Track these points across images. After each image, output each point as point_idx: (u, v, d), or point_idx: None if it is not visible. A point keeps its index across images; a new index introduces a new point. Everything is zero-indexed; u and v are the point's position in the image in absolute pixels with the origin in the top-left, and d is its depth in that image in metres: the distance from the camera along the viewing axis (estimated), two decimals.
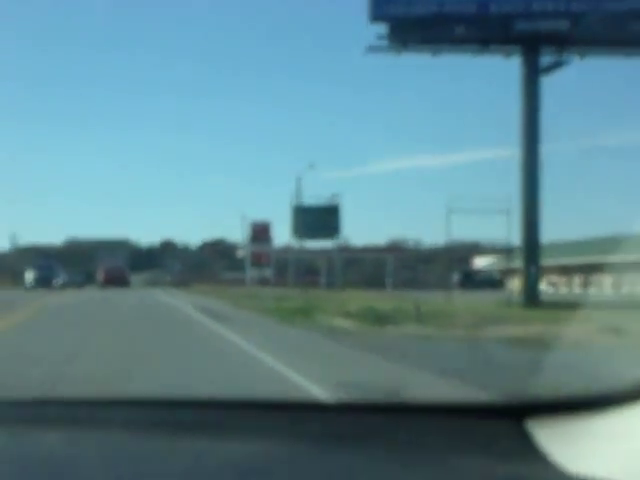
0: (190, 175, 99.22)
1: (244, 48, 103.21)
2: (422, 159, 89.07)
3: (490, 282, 44.78)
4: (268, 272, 46.83)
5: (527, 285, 21.83)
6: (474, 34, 22.79)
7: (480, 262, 57.97)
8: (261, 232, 48.41)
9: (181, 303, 24.42)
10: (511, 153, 26.73)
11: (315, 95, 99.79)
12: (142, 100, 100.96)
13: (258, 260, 47.52)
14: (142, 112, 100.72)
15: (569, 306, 14.05)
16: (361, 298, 23.38)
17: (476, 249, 54.53)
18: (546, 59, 22.83)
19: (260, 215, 65.71)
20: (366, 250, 54.12)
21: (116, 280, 41.42)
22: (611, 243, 28.80)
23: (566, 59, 22.79)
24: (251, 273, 47.51)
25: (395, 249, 57.68)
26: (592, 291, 37.94)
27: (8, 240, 71.90)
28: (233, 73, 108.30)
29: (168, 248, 68.73)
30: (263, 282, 43.61)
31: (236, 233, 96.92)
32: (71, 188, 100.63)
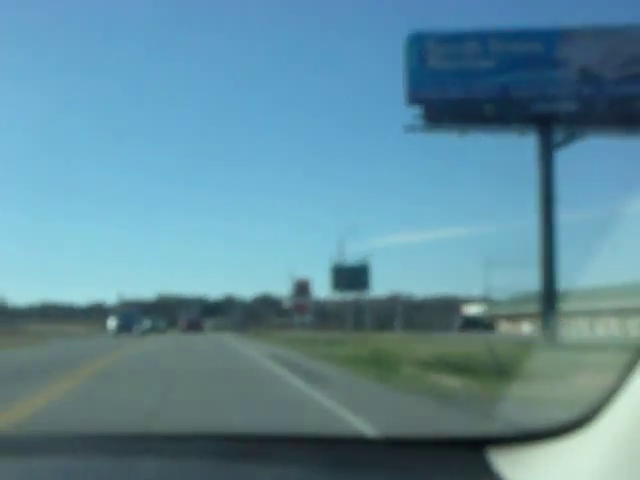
0: (245, 242, 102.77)
1: (297, 125, 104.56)
2: (432, 232, 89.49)
3: (484, 325, 45.39)
4: (308, 318, 51.81)
5: (547, 328, 21.00)
6: (497, 113, 22.70)
7: (471, 309, 57.92)
8: (302, 287, 53.35)
9: (250, 349, 20.36)
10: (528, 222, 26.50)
11: (355, 170, 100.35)
12: (210, 165, 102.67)
13: (301, 309, 52.55)
14: (210, 176, 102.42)
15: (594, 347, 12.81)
16: (402, 341, 21.88)
17: (455, 300, 60.54)
18: (559, 135, 22.57)
19: (300, 271, 71.20)
20: (374, 301, 54.70)
21: (194, 326, 46.45)
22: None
23: (577, 135, 22.66)
24: (295, 319, 52.05)
25: (397, 299, 58.81)
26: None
27: (116, 295, 79.32)
28: (284, 149, 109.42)
29: (229, 301, 77.32)
30: (304, 326, 48.41)
31: (280, 287, 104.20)
32: (163, 253, 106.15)
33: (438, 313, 58.04)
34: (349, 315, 47.56)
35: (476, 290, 66.14)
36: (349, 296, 48.54)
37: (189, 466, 1.27)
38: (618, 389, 0.80)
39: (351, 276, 45.86)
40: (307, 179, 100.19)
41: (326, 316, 53.09)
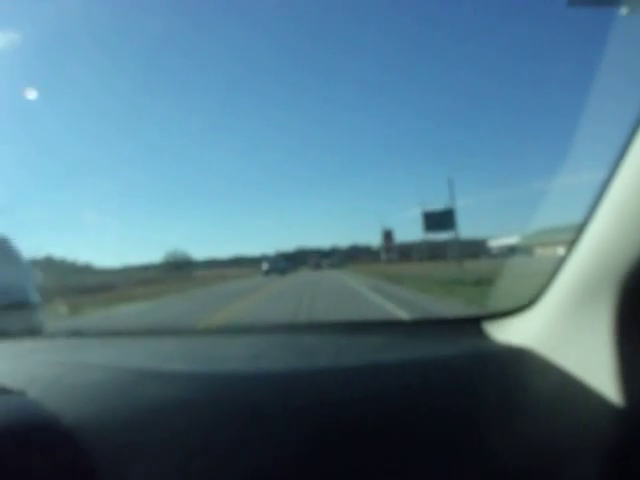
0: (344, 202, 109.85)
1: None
2: None
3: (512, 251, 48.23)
4: (394, 255, 62.76)
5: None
6: None
7: (508, 240, 59.85)
8: (388, 234, 65.50)
9: (344, 276, 33.13)
10: None
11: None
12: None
13: (389, 249, 64.19)
14: None
15: None
16: (440, 267, 31.95)
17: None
18: None
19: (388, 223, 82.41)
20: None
21: (317, 266, 65.23)
22: None
23: None
24: (382, 256, 63.13)
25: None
26: None
27: (274, 249, 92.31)
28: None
29: (335, 249, 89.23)
30: (390, 261, 59.31)
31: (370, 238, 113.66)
32: (298, 217, 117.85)
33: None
34: (421, 251, 57.18)
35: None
36: (440, 236, 53.51)
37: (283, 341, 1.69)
38: (553, 276, 1.13)
39: (440, 219, 51.31)
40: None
41: (409, 254, 62.75)
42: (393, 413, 1.03)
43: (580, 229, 1.02)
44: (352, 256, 78.66)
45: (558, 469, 0.91)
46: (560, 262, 1.11)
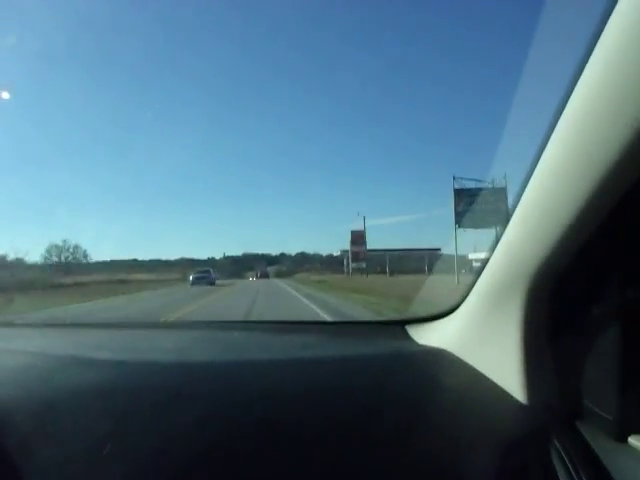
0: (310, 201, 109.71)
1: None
2: None
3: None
4: (363, 265, 57.33)
5: None
6: None
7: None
8: (358, 237, 59.18)
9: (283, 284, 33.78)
10: None
11: None
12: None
13: (357, 257, 58.43)
14: None
15: None
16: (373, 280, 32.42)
17: None
18: None
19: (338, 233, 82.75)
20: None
21: (263, 275, 63.76)
22: None
23: None
24: (354, 265, 58.10)
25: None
26: None
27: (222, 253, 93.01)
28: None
29: (282, 255, 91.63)
30: (362, 271, 54.55)
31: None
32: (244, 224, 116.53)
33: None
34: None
35: None
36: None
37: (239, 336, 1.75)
38: (473, 284, 1.21)
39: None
40: None
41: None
42: (313, 405, 1.08)
43: (493, 243, 1.10)
44: (300, 264, 77.19)
45: (463, 458, 0.97)
46: (475, 274, 1.20)
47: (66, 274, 46.04)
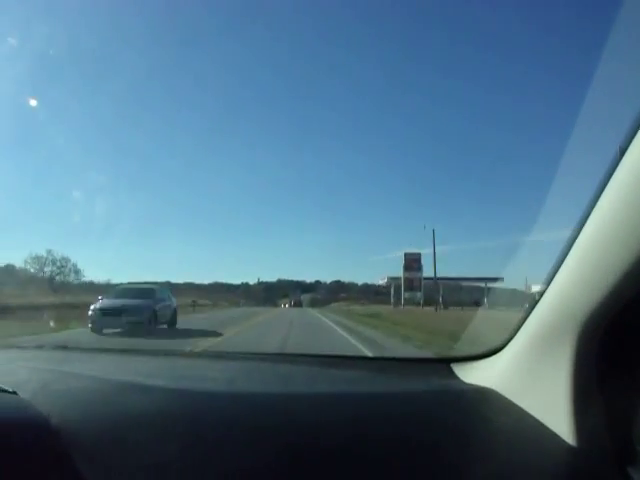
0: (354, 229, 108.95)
1: None
2: None
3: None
4: (419, 295, 49.92)
5: None
6: None
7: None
8: (413, 260, 52.36)
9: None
10: None
11: None
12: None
13: (410, 285, 51.54)
14: None
15: None
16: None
17: None
18: None
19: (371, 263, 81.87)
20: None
21: (297, 304, 61.19)
22: None
23: None
24: (405, 295, 51.04)
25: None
26: None
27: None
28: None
29: (317, 283, 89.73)
30: (414, 302, 48.08)
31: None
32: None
33: None
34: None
35: None
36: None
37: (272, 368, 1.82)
38: (521, 324, 1.21)
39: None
40: None
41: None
42: (360, 439, 1.11)
43: (547, 281, 1.11)
44: (335, 292, 73.45)
45: None
46: (527, 311, 1.20)
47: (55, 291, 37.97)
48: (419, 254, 52.98)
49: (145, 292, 16.16)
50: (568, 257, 1.02)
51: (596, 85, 1.29)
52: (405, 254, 53.54)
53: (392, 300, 52.05)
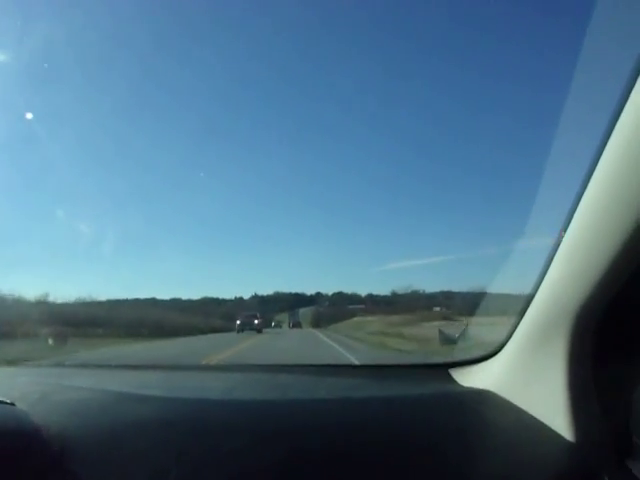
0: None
1: None
2: None
3: None
4: None
5: None
6: None
7: None
8: None
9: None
10: None
11: None
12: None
13: None
14: None
15: None
16: None
17: None
18: None
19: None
20: None
21: (295, 325, 53.00)
22: None
23: None
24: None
25: None
26: None
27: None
28: None
29: (318, 296, 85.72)
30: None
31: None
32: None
33: None
34: None
35: None
36: None
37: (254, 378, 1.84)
38: (515, 326, 1.25)
39: None
40: None
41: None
42: (361, 443, 1.13)
43: (536, 284, 1.15)
44: (339, 305, 64.74)
45: None
46: (520, 313, 1.24)
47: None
48: None
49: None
50: (556, 257, 1.06)
51: (574, 92, 1.34)
52: None
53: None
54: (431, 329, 18.01)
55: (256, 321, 29.15)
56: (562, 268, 1.05)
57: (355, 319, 39.93)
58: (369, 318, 35.82)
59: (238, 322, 28.86)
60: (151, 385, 1.65)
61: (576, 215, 0.98)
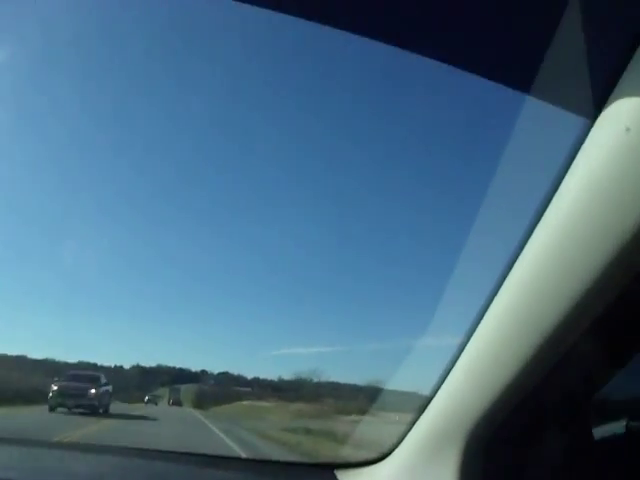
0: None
1: None
2: None
3: None
4: None
5: None
6: None
7: None
8: None
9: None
10: None
11: None
12: None
13: None
14: None
15: None
16: None
17: None
18: None
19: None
20: None
21: (175, 402, 47.13)
22: None
23: None
24: None
25: None
26: None
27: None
28: None
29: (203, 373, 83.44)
30: None
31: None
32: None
33: None
34: None
35: None
36: None
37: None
38: (408, 430, 1.22)
39: None
40: None
41: None
42: None
43: (434, 388, 1.14)
44: (224, 384, 66.95)
45: None
46: (414, 417, 1.23)
47: None
48: None
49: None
50: (459, 361, 1.06)
51: (489, 199, 1.39)
52: None
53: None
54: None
55: (92, 391, 16.46)
56: (463, 375, 1.05)
57: (244, 403, 35.54)
58: (263, 404, 31.34)
59: (53, 389, 16.12)
60: (13, 466, 1.47)
61: (482, 323, 0.99)
